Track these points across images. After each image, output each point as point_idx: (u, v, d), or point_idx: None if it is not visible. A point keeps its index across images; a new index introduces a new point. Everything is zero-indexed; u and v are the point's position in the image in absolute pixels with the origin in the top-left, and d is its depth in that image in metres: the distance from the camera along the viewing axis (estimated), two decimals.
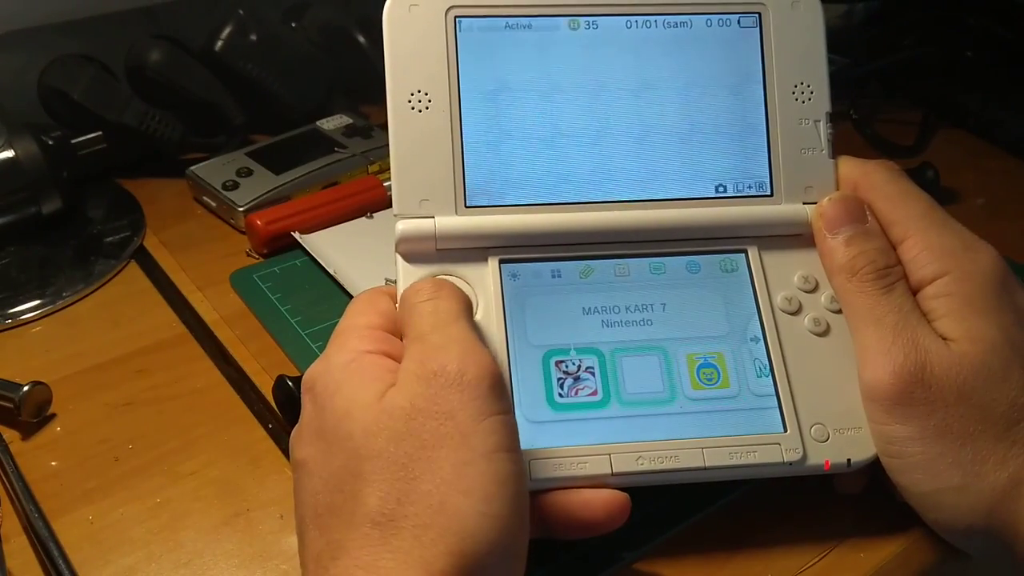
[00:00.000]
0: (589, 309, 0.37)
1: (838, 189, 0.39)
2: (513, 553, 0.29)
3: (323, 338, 0.35)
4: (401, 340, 0.34)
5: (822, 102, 0.40)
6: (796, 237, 0.39)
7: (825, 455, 0.35)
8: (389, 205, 0.57)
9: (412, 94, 0.37)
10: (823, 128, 0.40)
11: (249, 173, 0.59)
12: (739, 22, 0.40)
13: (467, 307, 0.33)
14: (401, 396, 0.29)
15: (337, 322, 0.34)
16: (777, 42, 0.40)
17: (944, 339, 0.34)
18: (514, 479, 0.29)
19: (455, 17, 0.38)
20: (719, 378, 0.36)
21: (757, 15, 0.40)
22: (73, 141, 0.57)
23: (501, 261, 0.37)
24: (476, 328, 0.34)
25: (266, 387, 0.44)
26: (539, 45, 0.39)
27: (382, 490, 0.28)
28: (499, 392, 0.30)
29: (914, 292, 0.36)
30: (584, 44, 0.39)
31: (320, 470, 0.30)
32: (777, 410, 0.36)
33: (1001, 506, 0.32)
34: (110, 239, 0.56)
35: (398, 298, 0.36)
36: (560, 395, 0.35)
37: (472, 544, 0.27)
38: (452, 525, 0.27)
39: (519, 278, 0.37)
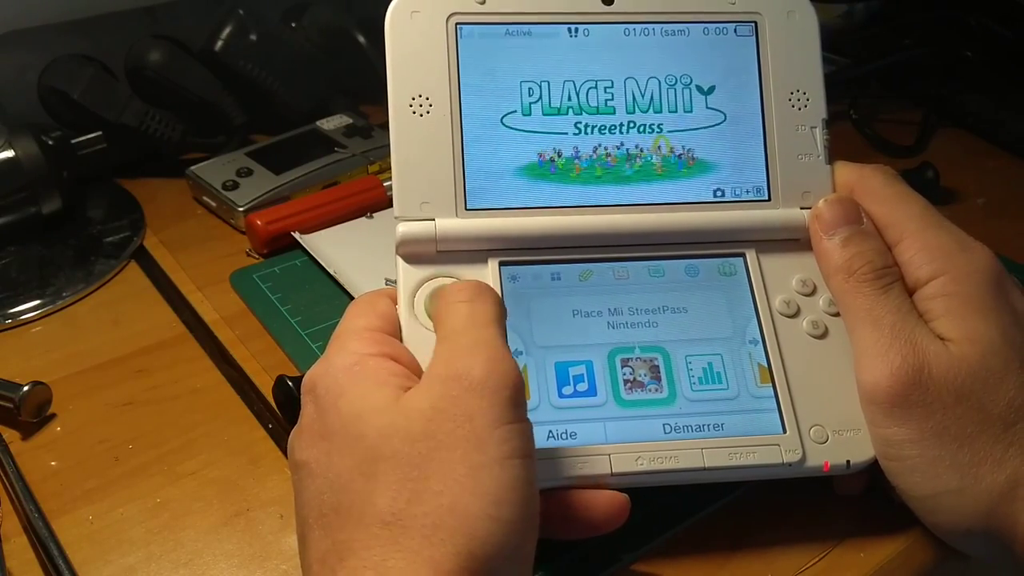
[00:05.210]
0: (590, 311, 0.37)
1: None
2: (521, 556, 0.29)
3: (323, 338, 0.35)
4: (400, 341, 0.34)
5: (818, 109, 0.40)
6: (794, 242, 0.39)
7: (824, 456, 0.35)
8: (389, 205, 0.57)
9: (413, 99, 0.37)
10: (819, 134, 0.40)
11: (249, 173, 0.59)
12: (736, 31, 0.40)
13: (502, 315, 0.33)
14: (421, 398, 0.29)
15: (337, 322, 0.34)
16: (773, 50, 0.40)
17: (942, 339, 0.34)
18: (525, 484, 0.29)
19: (456, 24, 0.38)
20: (718, 380, 0.36)
21: (753, 24, 0.40)
22: (73, 141, 0.57)
23: (501, 263, 0.37)
24: (506, 336, 0.34)
25: (266, 387, 0.44)
26: (539, 52, 0.39)
27: (393, 490, 0.28)
28: (518, 402, 0.30)
29: (910, 293, 0.36)
30: (583, 51, 0.39)
31: (325, 471, 0.30)
32: (776, 412, 0.36)
33: (999, 508, 0.33)
34: (110, 239, 0.57)
35: (399, 297, 0.36)
36: (561, 395, 0.35)
37: (481, 546, 0.27)
38: (462, 526, 0.27)
39: (519, 280, 0.37)
